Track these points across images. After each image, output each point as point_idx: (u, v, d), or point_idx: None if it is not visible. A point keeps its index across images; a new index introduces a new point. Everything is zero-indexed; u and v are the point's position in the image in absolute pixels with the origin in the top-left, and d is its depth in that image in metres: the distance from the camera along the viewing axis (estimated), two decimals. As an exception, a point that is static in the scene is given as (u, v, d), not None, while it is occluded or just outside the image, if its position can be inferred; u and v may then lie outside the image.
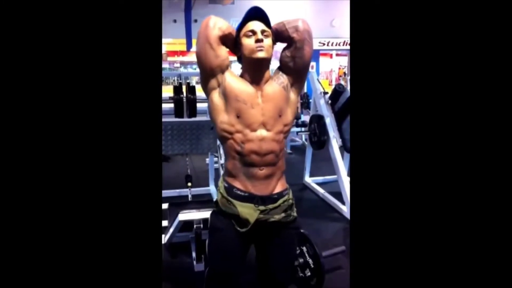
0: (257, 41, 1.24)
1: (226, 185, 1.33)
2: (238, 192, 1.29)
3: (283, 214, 1.33)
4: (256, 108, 1.26)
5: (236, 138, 1.27)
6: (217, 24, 1.24)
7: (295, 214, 1.38)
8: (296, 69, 1.33)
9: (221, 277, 1.37)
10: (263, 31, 1.26)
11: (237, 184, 1.30)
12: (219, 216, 1.34)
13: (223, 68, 1.27)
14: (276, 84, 1.31)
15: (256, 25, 1.26)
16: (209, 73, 1.27)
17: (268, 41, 1.26)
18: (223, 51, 1.27)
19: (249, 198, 1.29)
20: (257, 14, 1.26)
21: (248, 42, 1.25)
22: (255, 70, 1.29)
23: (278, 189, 1.33)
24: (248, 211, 1.28)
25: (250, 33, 1.25)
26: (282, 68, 1.34)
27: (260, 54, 1.24)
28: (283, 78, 1.33)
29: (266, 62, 1.28)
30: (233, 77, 1.29)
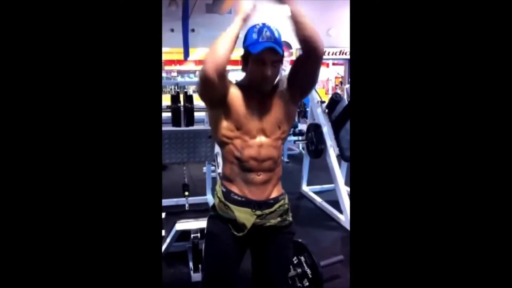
0: (265, 74, 1.23)
1: (223, 189, 1.34)
2: (235, 197, 1.31)
3: (279, 219, 1.34)
4: (257, 117, 1.28)
5: (236, 143, 1.28)
6: (218, 69, 1.15)
7: (290, 218, 1.39)
8: (303, 86, 1.34)
9: (217, 282, 1.36)
10: (273, 62, 1.23)
11: (234, 188, 1.31)
12: (216, 220, 1.35)
13: (227, 92, 1.26)
14: (278, 94, 1.32)
15: (268, 57, 1.22)
16: (217, 104, 1.27)
17: (276, 71, 1.26)
18: (226, 83, 1.24)
19: (246, 202, 1.30)
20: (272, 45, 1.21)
21: (256, 70, 1.24)
22: (257, 88, 1.29)
23: (274, 194, 1.34)
24: (244, 216, 1.29)
25: (261, 63, 1.23)
26: (290, 79, 1.33)
27: (265, 88, 1.27)
28: (285, 90, 1.33)
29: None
30: (235, 90, 1.28)
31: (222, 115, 1.28)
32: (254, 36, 1.23)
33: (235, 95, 1.27)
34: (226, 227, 1.32)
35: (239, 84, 1.32)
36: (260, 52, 1.20)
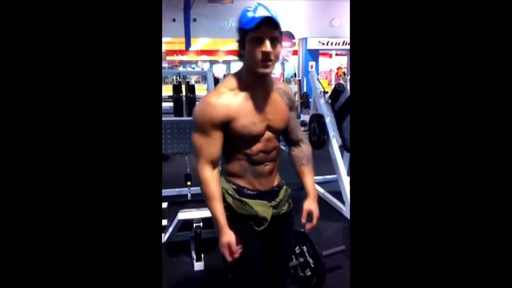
0: (264, 54, 1.12)
1: (234, 186, 1.30)
2: (248, 191, 1.30)
3: (287, 205, 1.40)
4: (263, 118, 1.25)
5: (245, 142, 1.26)
6: (214, 167, 1.28)
7: (291, 201, 1.45)
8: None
9: (251, 278, 1.34)
10: (272, 39, 1.13)
11: (244, 184, 1.30)
12: (235, 221, 1.28)
13: (228, 118, 1.21)
14: (281, 100, 1.32)
15: (266, 32, 1.11)
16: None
17: (276, 51, 1.15)
18: (221, 133, 1.24)
19: (259, 195, 1.31)
20: (269, 22, 1.12)
21: (254, 50, 1.13)
22: (257, 79, 1.22)
23: (276, 182, 1.38)
24: (263, 209, 1.31)
25: (258, 41, 1.12)
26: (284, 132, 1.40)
27: (265, 71, 1.16)
28: (286, 99, 1.34)
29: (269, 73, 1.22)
30: (233, 101, 1.22)
31: (228, 128, 1.23)
32: (249, 14, 1.13)
33: (236, 109, 1.21)
34: (247, 224, 1.30)
35: (237, 85, 1.24)
36: (257, 27, 1.10)
